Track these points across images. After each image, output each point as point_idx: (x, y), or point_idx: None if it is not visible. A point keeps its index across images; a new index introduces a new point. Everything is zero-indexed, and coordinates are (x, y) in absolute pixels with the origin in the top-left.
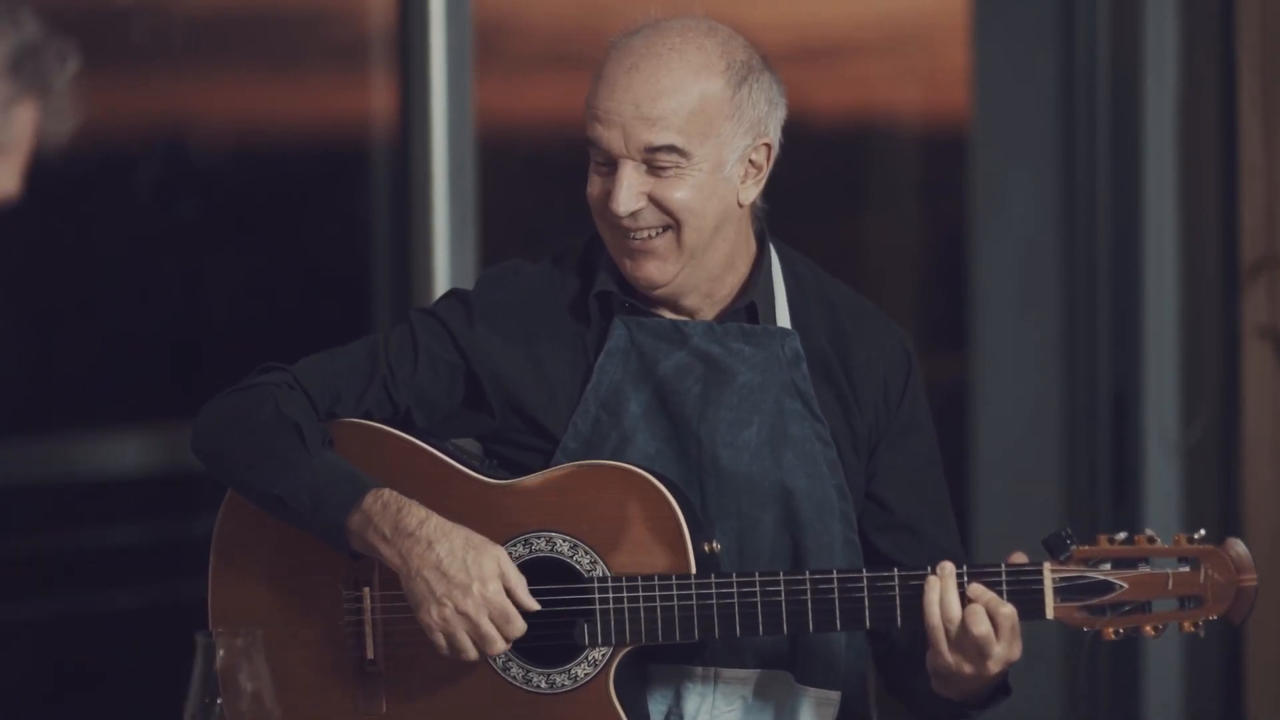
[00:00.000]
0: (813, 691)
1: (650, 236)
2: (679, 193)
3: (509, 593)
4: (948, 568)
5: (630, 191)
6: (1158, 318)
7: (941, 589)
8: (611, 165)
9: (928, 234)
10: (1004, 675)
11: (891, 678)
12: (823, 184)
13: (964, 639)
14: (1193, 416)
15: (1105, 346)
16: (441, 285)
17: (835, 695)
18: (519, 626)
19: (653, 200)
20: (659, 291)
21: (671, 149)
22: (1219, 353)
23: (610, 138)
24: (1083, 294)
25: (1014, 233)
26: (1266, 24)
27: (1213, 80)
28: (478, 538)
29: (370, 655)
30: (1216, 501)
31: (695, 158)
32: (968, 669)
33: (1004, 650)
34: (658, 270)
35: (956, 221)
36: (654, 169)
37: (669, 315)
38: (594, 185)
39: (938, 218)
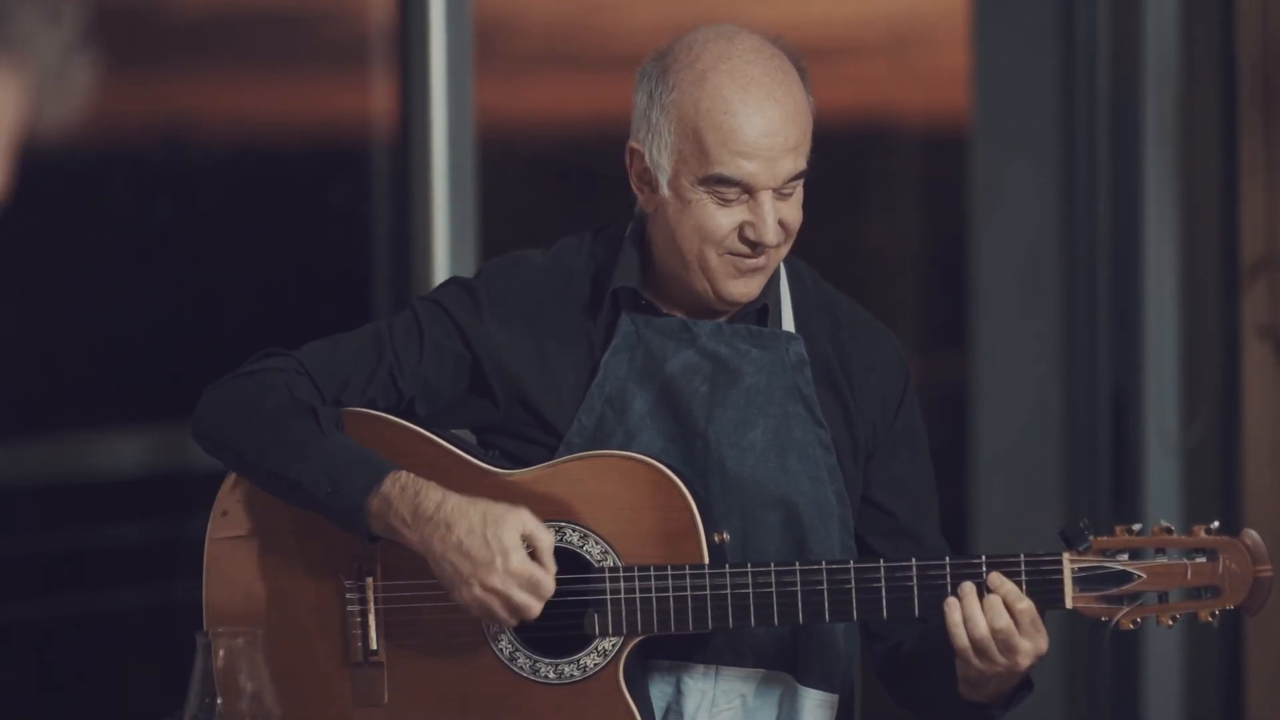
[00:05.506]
0: (813, 693)
1: (767, 254)
2: (796, 210)
3: (535, 557)
4: (967, 587)
5: (774, 219)
6: (1158, 318)
7: (965, 610)
8: (744, 195)
9: (928, 234)
10: (1026, 673)
11: (903, 689)
12: (823, 184)
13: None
14: (1193, 416)
15: (1105, 347)
16: None
17: (834, 698)
18: (548, 586)
19: (779, 221)
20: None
21: (804, 172)
22: (1219, 353)
23: (756, 172)
24: (1083, 294)
25: (1014, 233)
26: (1266, 24)
27: (1213, 80)
28: (496, 508)
29: (374, 646)
30: (1216, 501)
31: (806, 173)
32: (999, 667)
33: (1030, 644)
34: (757, 285)
35: (956, 221)
36: (782, 193)
37: (680, 315)
38: (714, 217)
39: (938, 218)
